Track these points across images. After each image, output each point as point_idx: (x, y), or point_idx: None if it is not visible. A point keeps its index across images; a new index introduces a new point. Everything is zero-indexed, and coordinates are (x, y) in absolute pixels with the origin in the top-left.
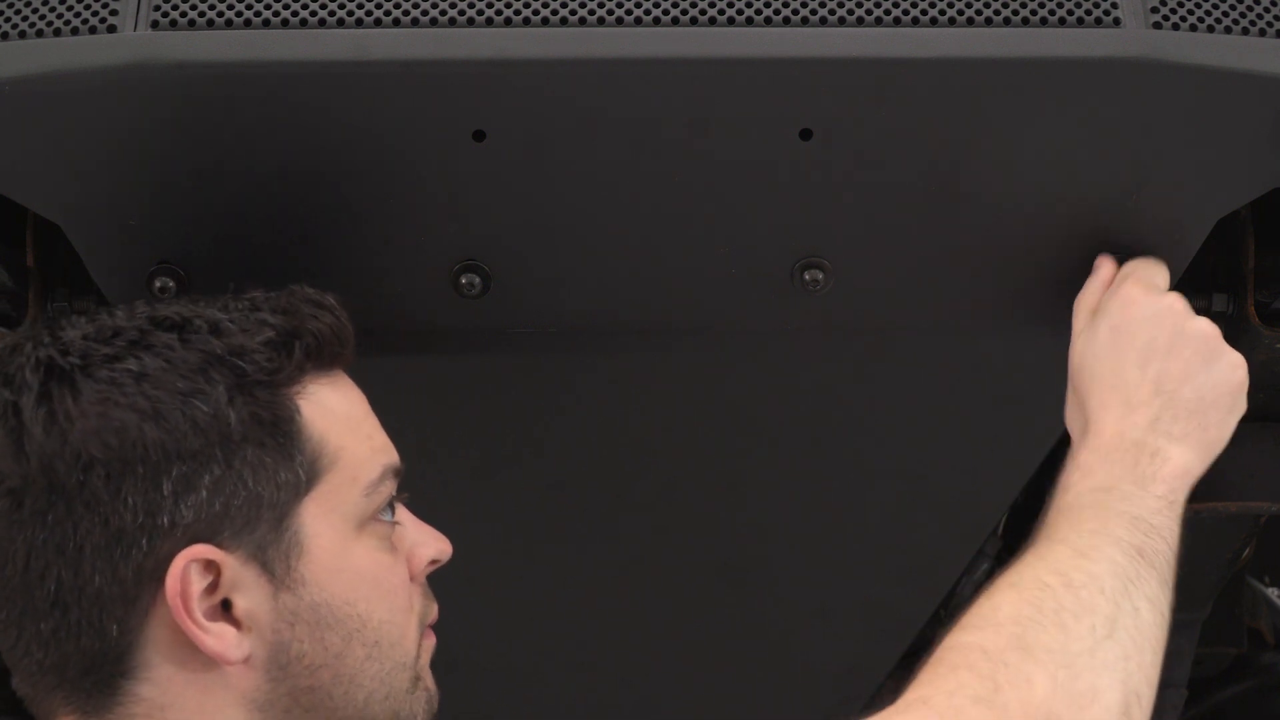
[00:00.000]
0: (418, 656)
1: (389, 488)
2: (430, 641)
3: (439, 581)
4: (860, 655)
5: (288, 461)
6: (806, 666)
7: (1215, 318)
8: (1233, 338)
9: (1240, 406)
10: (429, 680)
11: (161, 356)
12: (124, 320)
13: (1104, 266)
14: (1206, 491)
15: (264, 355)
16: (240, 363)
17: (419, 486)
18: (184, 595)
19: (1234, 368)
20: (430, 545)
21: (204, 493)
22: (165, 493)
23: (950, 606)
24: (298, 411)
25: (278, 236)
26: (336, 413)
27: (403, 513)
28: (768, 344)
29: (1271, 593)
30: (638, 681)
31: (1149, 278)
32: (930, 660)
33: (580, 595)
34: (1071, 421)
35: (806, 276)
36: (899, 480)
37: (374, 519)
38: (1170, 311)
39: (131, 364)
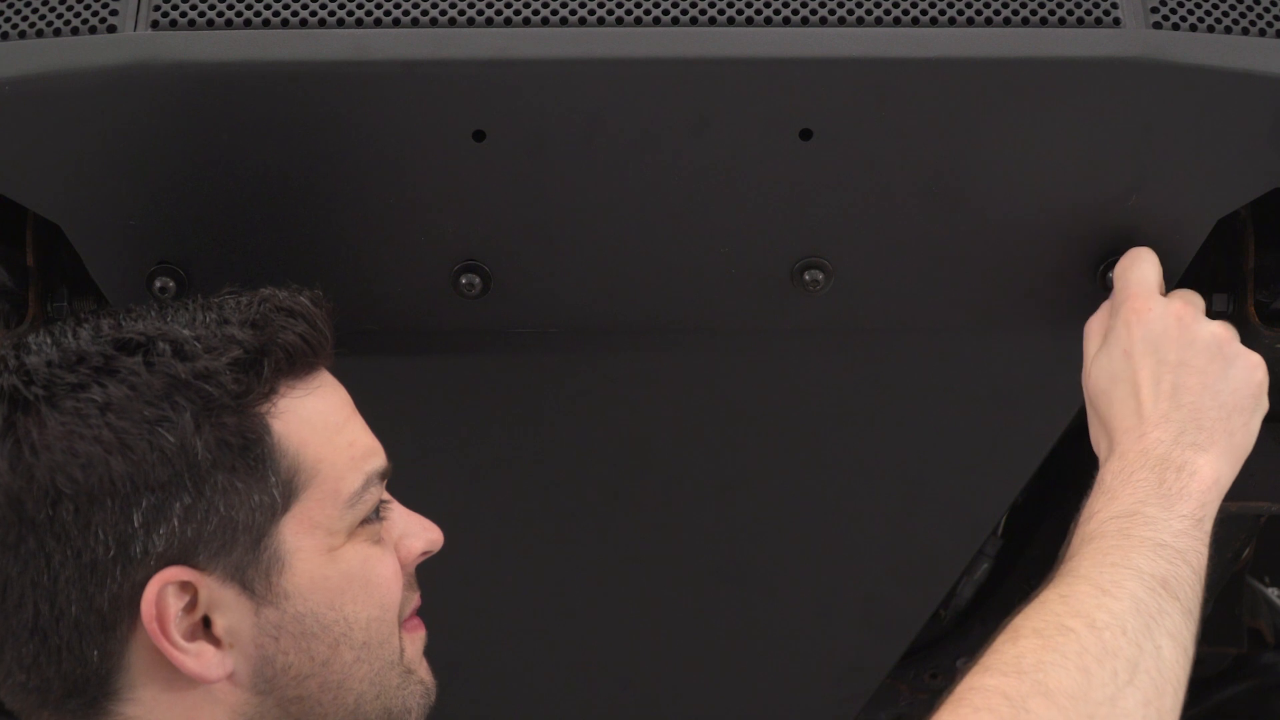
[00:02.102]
0: (402, 650)
1: (374, 494)
2: (415, 633)
3: (438, 581)
4: (860, 655)
5: (261, 484)
6: (806, 666)
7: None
8: None
9: (1263, 406)
10: (423, 672)
11: (126, 383)
12: (88, 343)
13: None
14: None
15: (231, 377)
16: (206, 387)
17: (419, 487)
18: (160, 618)
19: (1252, 368)
20: (420, 537)
21: (175, 521)
22: (136, 524)
23: (950, 607)
24: (268, 432)
25: (278, 236)
26: (314, 423)
27: (392, 507)
28: (768, 344)
29: (1271, 593)
30: (637, 681)
31: (1146, 283)
32: (951, 700)
33: (580, 595)
34: (1096, 445)
35: (806, 276)
36: (899, 480)
37: (361, 524)
38: (1178, 322)
39: (96, 393)
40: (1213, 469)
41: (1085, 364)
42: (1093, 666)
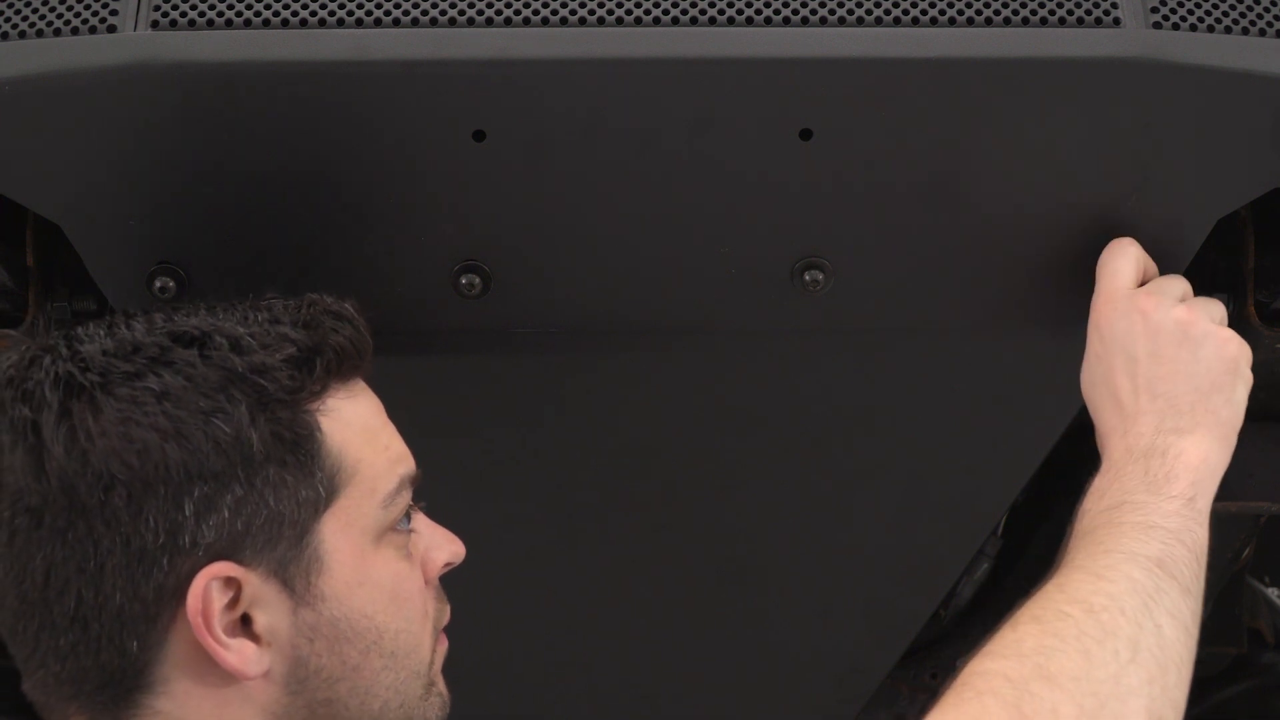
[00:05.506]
0: (431, 663)
1: (406, 497)
2: (443, 646)
3: (441, 580)
4: (860, 655)
5: (308, 479)
6: (806, 666)
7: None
8: None
9: (1245, 378)
10: (441, 685)
11: (182, 374)
12: (143, 335)
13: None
14: None
15: (285, 373)
16: (262, 381)
17: (418, 486)
18: (205, 613)
19: (1223, 344)
20: (444, 549)
21: (225, 512)
22: (187, 513)
23: (950, 607)
24: (318, 428)
25: (278, 237)
26: (354, 425)
27: (418, 517)
28: (768, 344)
29: (1271, 593)
30: (638, 681)
31: (1114, 281)
32: (953, 686)
33: (580, 595)
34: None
35: (806, 277)
36: (899, 480)
37: (391, 529)
38: (1140, 314)
39: (153, 382)
40: (1199, 450)
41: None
42: (1093, 648)
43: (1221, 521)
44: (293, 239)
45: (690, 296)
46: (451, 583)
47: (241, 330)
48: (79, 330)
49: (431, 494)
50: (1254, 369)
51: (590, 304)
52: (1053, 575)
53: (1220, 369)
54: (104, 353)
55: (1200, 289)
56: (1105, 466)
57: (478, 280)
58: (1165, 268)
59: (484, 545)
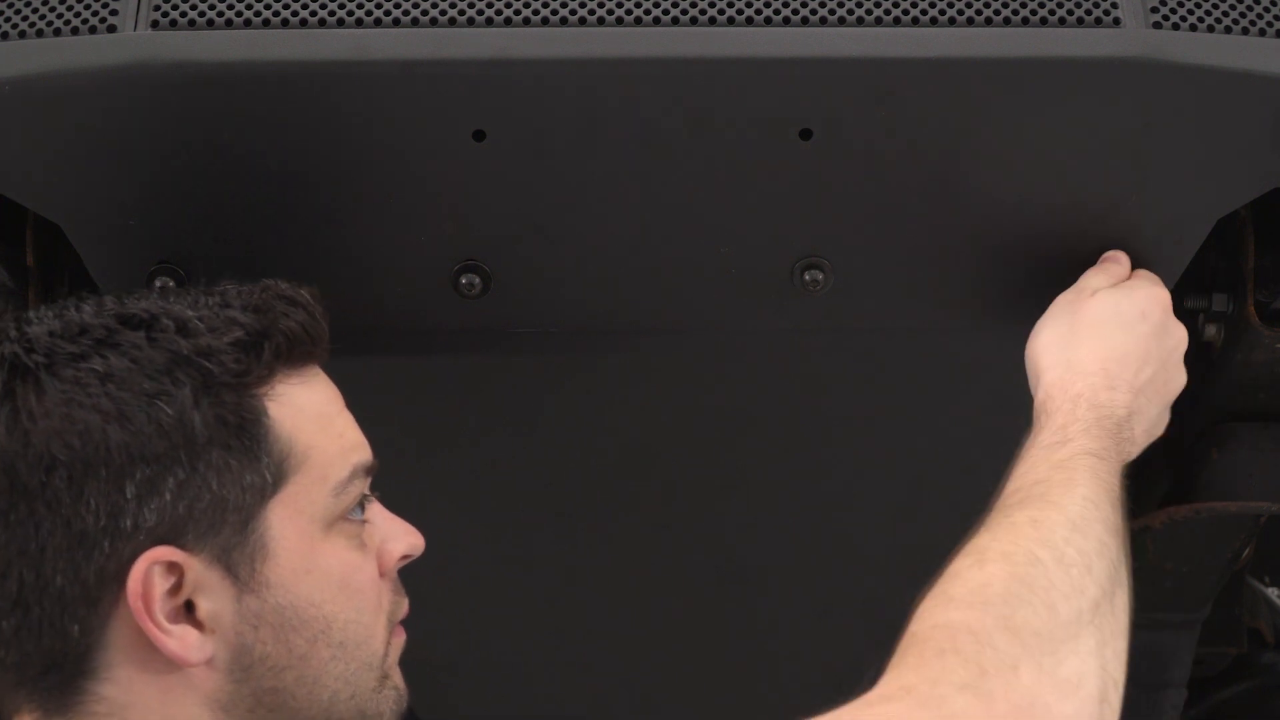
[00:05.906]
0: (385, 655)
1: (359, 487)
2: (399, 639)
3: (438, 580)
4: (860, 655)
5: (254, 464)
6: (806, 666)
7: (1215, 318)
8: (1233, 338)
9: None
10: (397, 678)
11: (128, 356)
12: (91, 317)
13: (1124, 261)
14: (1206, 492)
15: (231, 356)
16: (207, 364)
17: (419, 485)
18: (145, 597)
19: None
20: (401, 540)
21: (168, 496)
22: (128, 495)
23: None
24: (265, 413)
25: (278, 236)
26: (306, 412)
27: (374, 508)
28: (768, 344)
29: (1271, 593)
30: (637, 682)
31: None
32: (915, 638)
33: (580, 595)
34: (1046, 346)
35: (806, 276)
36: (899, 480)
37: (343, 518)
38: (1180, 341)
39: (97, 363)
40: (1134, 455)
41: (1083, 286)
42: (1059, 603)
43: (1221, 521)
44: (293, 238)
45: (690, 296)
46: (449, 581)
47: (190, 314)
48: (30, 313)
49: (430, 493)
50: (1254, 369)
51: (590, 304)
52: (1026, 497)
53: (1158, 431)
54: (50, 334)
55: (1200, 289)
56: (1091, 398)
57: (478, 280)
58: (1165, 268)
59: (483, 544)
